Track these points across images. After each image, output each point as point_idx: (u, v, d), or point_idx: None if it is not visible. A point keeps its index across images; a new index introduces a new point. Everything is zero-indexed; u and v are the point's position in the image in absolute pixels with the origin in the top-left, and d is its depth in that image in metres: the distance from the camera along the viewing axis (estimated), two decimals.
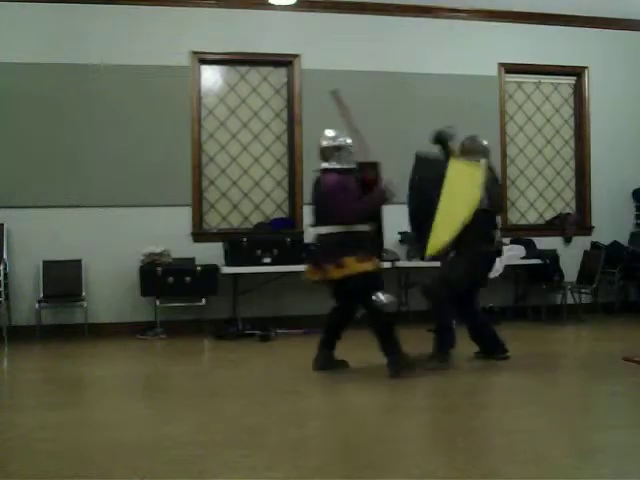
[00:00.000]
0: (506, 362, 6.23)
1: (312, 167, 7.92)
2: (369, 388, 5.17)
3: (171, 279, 7.60)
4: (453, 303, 5.88)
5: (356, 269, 5.29)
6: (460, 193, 5.55)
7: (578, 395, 5.09)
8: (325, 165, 5.56)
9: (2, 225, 7.60)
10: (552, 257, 8.56)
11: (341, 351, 6.49)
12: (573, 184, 9.41)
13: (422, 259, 6.19)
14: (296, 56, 8.40)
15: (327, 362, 5.66)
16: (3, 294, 7.45)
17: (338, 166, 5.52)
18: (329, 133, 5.61)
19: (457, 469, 3.45)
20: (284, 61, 8.47)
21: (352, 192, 5.42)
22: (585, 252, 8.88)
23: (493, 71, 8.96)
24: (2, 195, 7.65)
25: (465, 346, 6.19)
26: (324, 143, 5.57)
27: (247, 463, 3.56)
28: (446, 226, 5.48)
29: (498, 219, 6.20)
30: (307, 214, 8.29)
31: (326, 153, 5.55)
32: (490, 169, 5.94)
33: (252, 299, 8.02)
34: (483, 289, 8.40)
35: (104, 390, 5.49)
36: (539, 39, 8.99)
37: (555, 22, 9.03)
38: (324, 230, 5.48)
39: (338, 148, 5.53)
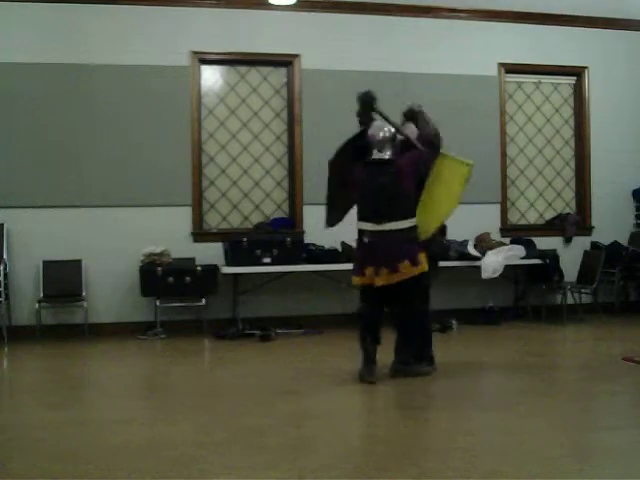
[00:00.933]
0: (506, 362, 6.25)
1: (312, 167, 8.00)
2: (369, 388, 5.17)
3: (171, 279, 7.60)
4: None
5: (425, 267, 5.30)
6: (446, 186, 5.45)
7: (578, 395, 5.09)
8: (382, 155, 5.36)
9: (2, 225, 7.60)
10: (552, 257, 8.55)
11: (337, 351, 6.51)
12: (573, 184, 9.40)
13: None
14: (296, 56, 8.40)
15: (375, 372, 5.31)
16: (3, 294, 7.44)
17: (394, 157, 5.38)
18: (382, 124, 5.39)
19: (457, 469, 3.45)
20: (284, 61, 8.47)
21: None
22: (585, 252, 8.87)
23: (493, 71, 8.96)
24: (2, 195, 7.65)
25: (462, 348, 6.20)
26: (381, 134, 5.35)
27: (247, 463, 3.56)
28: (433, 215, 5.47)
29: None
30: (307, 214, 8.33)
31: (380, 144, 5.35)
32: None
33: (252, 299, 8.03)
34: (483, 289, 8.48)
35: (104, 390, 5.48)
36: (539, 39, 8.99)
37: (555, 22, 9.03)
38: (390, 226, 5.24)
39: (392, 139, 5.39)
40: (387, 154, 5.36)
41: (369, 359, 5.29)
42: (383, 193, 5.26)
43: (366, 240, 5.32)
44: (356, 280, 5.41)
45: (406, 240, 5.25)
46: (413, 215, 5.31)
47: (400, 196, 5.26)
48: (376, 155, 5.37)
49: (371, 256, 5.28)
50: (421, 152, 5.34)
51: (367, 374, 5.24)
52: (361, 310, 5.45)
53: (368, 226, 5.30)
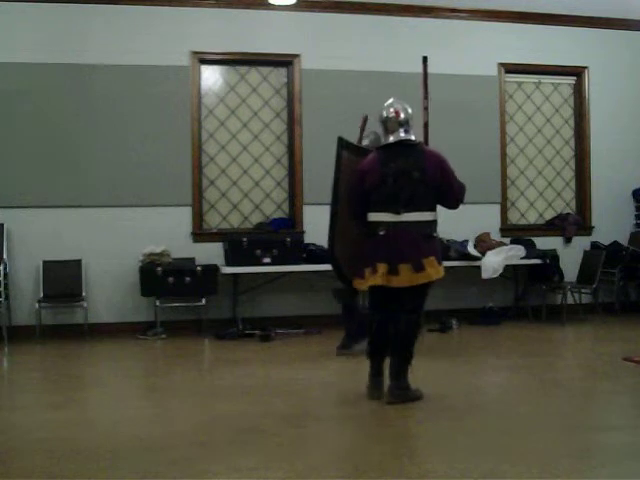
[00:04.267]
0: (506, 362, 6.26)
1: (312, 167, 8.02)
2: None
3: (171, 279, 7.60)
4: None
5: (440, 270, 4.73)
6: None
7: (578, 395, 5.09)
8: (408, 137, 4.76)
9: (2, 225, 7.59)
10: (552, 257, 8.55)
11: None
12: (573, 184, 9.40)
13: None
14: (296, 56, 8.39)
15: (382, 386, 4.84)
16: (3, 294, 7.44)
17: (418, 141, 4.87)
18: (402, 103, 4.86)
19: (457, 469, 3.45)
20: (284, 61, 8.47)
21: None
22: (585, 252, 8.87)
23: (493, 71, 8.96)
24: (2, 195, 7.65)
25: (462, 348, 6.20)
26: (405, 113, 4.78)
27: (247, 463, 3.56)
28: None
29: None
30: (307, 214, 8.33)
31: (403, 124, 4.76)
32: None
33: (252, 299, 8.03)
34: (483, 289, 8.48)
35: (104, 390, 5.48)
36: (539, 39, 8.99)
37: (555, 22, 9.03)
38: (411, 217, 4.64)
39: (409, 121, 4.84)
40: (412, 136, 4.79)
41: (377, 372, 4.86)
42: (405, 180, 4.65)
43: (382, 233, 4.68)
44: (361, 282, 4.81)
45: (432, 235, 4.72)
46: (434, 209, 4.76)
47: (428, 186, 4.67)
48: (402, 136, 4.76)
49: (387, 251, 4.65)
50: (449, 168, 4.77)
51: (374, 390, 4.82)
52: (372, 319, 4.86)
53: (385, 217, 4.70)
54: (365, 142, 5.95)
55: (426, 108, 5.04)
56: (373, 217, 4.75)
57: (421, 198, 4.66)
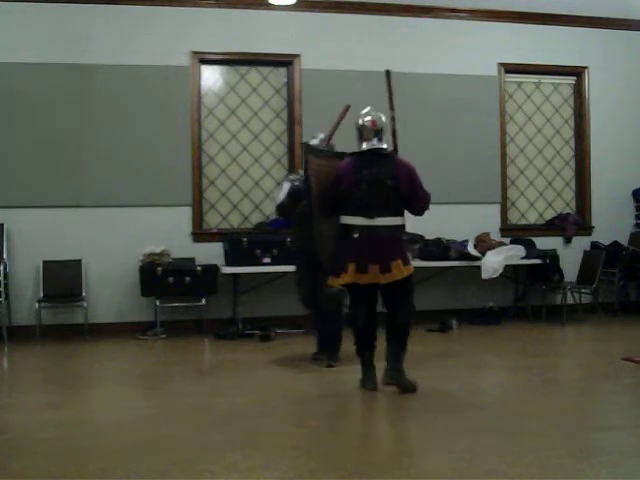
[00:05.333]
0: (506, 362, 6.26)
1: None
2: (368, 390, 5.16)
3: (171, 279, 7.60)
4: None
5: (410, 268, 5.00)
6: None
7: (578, 395, 5.09)
8: (381, 145, 5.02)
9: (2, 225, 7.60)
10: (552, 257, 8.55)
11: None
12: (573, 184, 9.40)
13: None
14: (296, 56, 8.40)
15: (376, 379, 5.08)
16: (3, 294, 7.44)
17: (390, 150, 5.10)
18: (378, 112, 5.09)
19: (457, 469, 3.46)
20: (284, 61, 8.47)
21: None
22: (585, 252, 8.87)
23: (493, 71, 8.96)
24: (2, 195, 7.65)
25: (462, 348, 6.19)
26: (380, 122, 5.04)
27: (247, 463, 3.57)
28: None
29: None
30: None
31: (378, 133, 5.01)
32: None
33: (252, 299, 8.03)
34: (483, 289, 8.48)
35: (104, 390, 5.49)
36: (539, 39, 8.99)
37: (555, 22, 9.03)
38: (383, 222, 4.91)
39: (383, 130, 5.08)
40: (385, 145, 5.06)
41: (369, 366, 5.07)
42: (377, 186, 4.91)
43: (355, 236, 4.92)
44: (336, 280, 4.95)
45: (401, 238, 5.02)
46: (402, 214, 5.02)
47: (401, 192, 4.95)
48: (375, 145, 5.02)
49: (358, 252, 4.90)
50: (417, 178, 5.07)
51: (369, 382, 5.05)
52: (357, 315, 5.05)
53: (359, 220, 4.92)
54: (314, 141, 5.97)
55: (393, 118, 5.22)
56: (347, 220, 4.99)
57: (393, 204, 4.96)
